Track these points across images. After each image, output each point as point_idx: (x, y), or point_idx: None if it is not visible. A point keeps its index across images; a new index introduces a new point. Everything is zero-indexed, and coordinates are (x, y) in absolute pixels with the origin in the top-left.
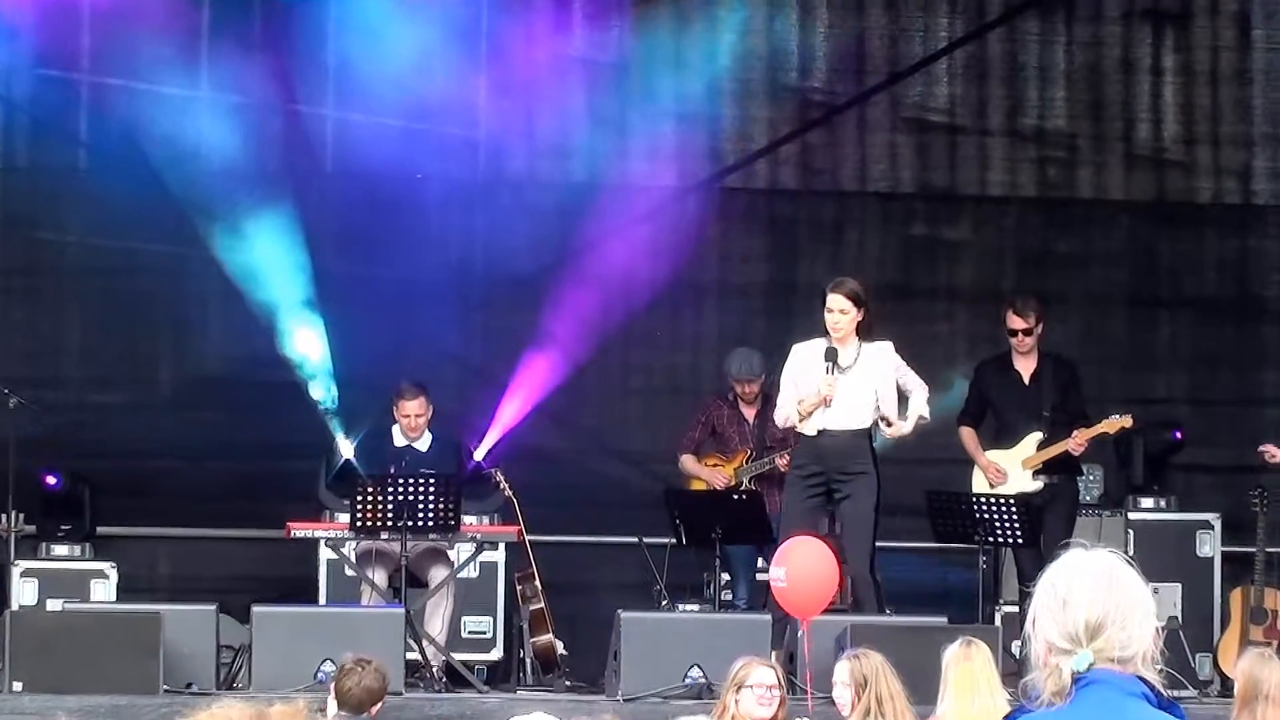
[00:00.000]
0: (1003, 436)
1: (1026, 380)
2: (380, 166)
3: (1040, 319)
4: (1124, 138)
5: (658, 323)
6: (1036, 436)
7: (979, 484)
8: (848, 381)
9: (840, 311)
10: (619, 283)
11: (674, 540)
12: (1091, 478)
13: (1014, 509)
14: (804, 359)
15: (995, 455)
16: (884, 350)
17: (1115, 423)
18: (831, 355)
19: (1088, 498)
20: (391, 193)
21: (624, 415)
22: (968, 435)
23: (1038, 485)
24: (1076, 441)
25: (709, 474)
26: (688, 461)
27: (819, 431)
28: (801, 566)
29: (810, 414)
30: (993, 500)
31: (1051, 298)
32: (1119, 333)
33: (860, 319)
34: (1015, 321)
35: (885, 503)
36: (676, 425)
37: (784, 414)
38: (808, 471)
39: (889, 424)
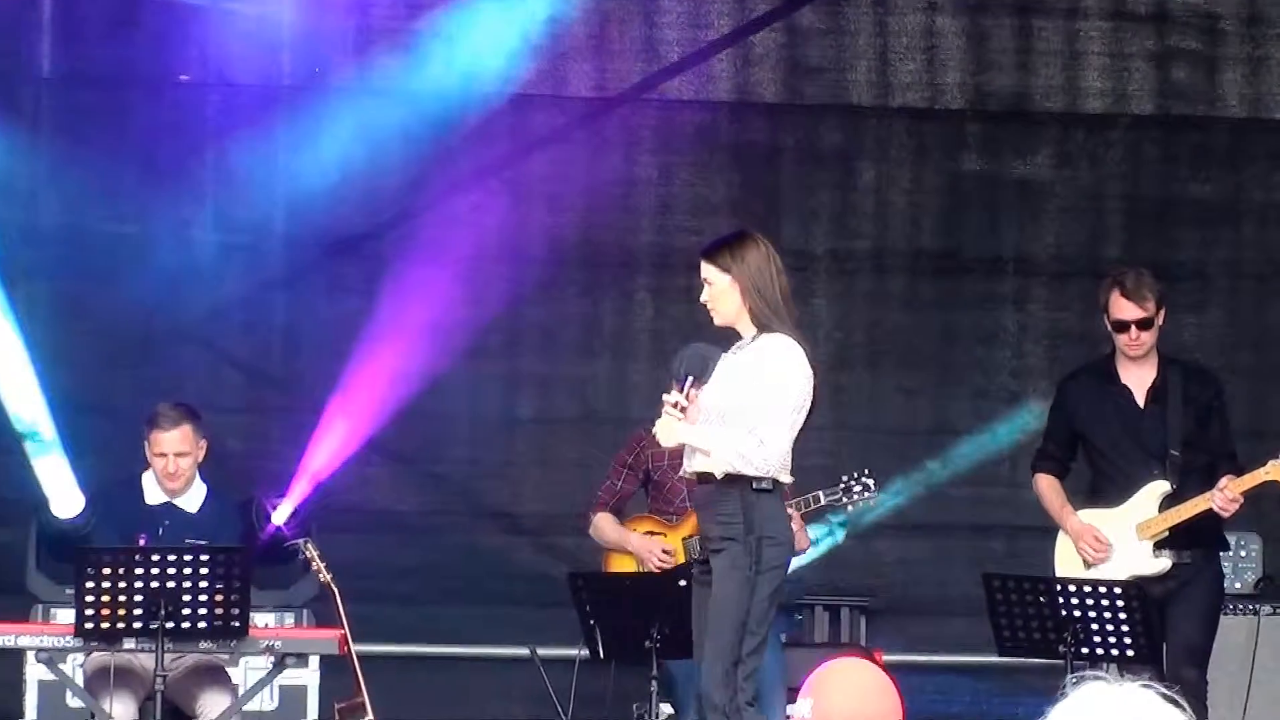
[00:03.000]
0: (1105, 489)
1: (1141, 400)
2: (124, 66)
3: (1162, 304)
4: None
5: (558, 312)
6: (1159, 488)
7: (1067, 563)
8: (709, 395)
9: (706, 283)
10: (500, 250)
11: (586, 652)
12: (1244, 553)
13: (1122, 602)
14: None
15: (1094, 517)
16: (768, 351)
17: None
18: (690, 364)
19: (1238, 584)
20: (143, 106)
21: (508, 456)
22: (1048, 488)
23: (1161, 565)
24: (1225, 497)
25: (641, 546)
26: (606, 526)
27: (688, 480)
28: (842, 699)
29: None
30: (1089, 589)
31: (1179, 272)
32: None
33: (742, 290)
34: (1124, 308)
35: (913, 596)
36: (590, 472)
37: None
38: (702, 546)
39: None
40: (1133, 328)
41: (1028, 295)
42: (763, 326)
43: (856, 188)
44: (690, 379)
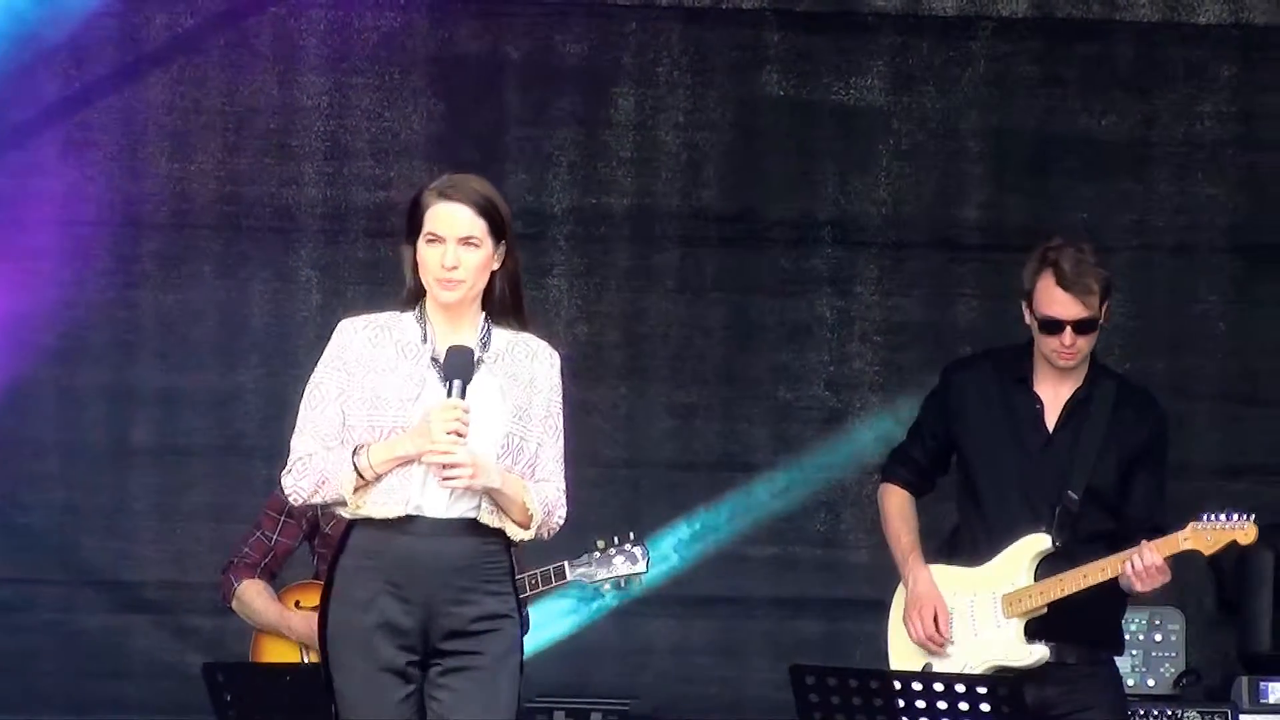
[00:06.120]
0: (973, 535)
1: (1052, 420)
2: None
3: (1107, 295)
4: None
5: (187, 298)
6: (1036, 545)
7: (905, 646)
8: (503, 422)
9: (465, 243)
10: (103, 210)
11: None
12: (1159, 637)
13: (988, 705)
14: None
15: (946, 577)
16: (547, 359)
17: (1222, 531)
18: (456, 364)
19: (1151, 681)
20: None
21: (117, 501)
22: (898, 509)
23: (1035, 655)
24: (1144, 562)
25: (303, 625)
26: (255, 597)
27: (391, 521)
28: None
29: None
30: (940, 688)
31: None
32: (1223, 338)
33: (506, 267)
34: (1058, 302)
35: (693, 697)
36: (235, 525)
37: (315, 473)
38: (382, 619)
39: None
40: (1068, 331)
41: (852, 273)
42: (503, 321)
43: (610, 121)
44: (459, 386)
